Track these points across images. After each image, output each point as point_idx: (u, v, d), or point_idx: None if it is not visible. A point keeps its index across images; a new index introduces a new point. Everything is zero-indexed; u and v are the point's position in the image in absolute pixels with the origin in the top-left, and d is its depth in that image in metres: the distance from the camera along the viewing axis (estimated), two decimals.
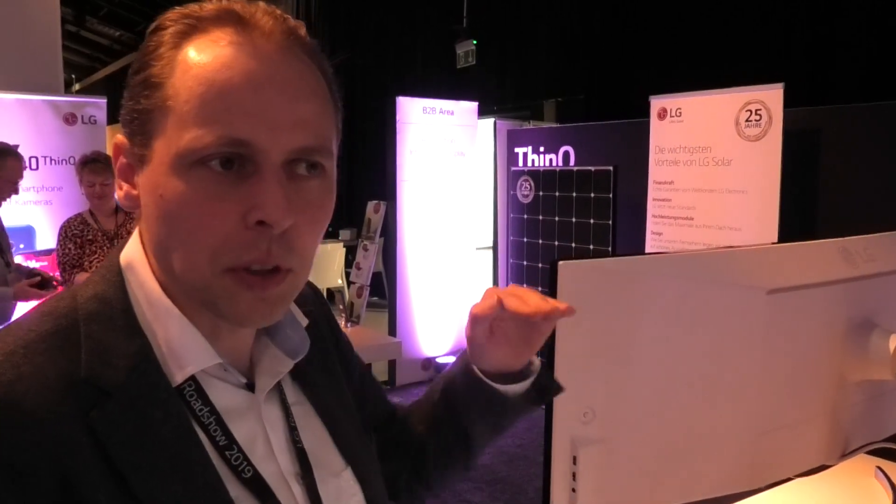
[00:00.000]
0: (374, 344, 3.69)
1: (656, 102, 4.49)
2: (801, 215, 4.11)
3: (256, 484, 0.67)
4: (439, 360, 5.92)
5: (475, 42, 7.48)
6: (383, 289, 7.87)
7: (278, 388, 0.75)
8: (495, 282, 8.13)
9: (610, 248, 4.69)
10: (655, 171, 4.52)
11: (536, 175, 5.21)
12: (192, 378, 0.66)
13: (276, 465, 0.70)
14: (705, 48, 4.98)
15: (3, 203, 3.51)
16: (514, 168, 5.53)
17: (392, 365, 5.61)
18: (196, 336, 0.66)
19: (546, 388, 0.92)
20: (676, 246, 4.42)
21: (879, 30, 4.22)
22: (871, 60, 4.14)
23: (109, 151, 4.98)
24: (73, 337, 0.62)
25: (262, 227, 0.61)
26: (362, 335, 3.90)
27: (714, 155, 4.19)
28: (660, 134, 4.48)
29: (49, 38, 5.04)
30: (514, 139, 6.12)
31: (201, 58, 0.63)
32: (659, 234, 4.52)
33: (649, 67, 5.24)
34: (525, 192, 5.29)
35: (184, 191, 0.62)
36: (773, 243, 1.15)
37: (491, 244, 7.77)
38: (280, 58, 0.64)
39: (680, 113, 4.36)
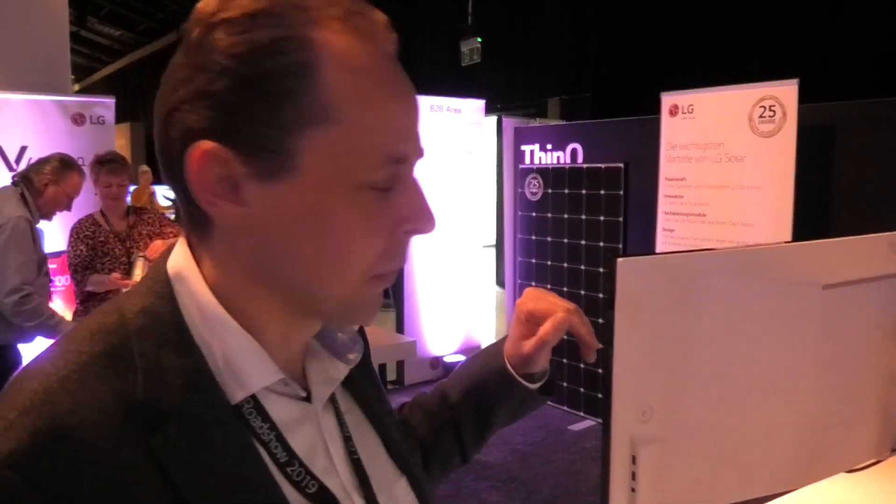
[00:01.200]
0: (387, 344, 3.68)
1: (668, 99, 4.48)
2: (816, 212, 4.10)
3: (323, 498, 0.64)
4: (447, 360, 5.91)
5: (480, 40, 7.47)
6: (387, 287, 7.84)
7: (331, 395, 0.72)
8: (499, 281, 8.11)
9: (621, 246, 4.67)
10: (667, 168, 4.51)
11: (546, 172, 5.19)
12: (251, 394, 0.62)
13: (337, 478, 0.67)
14: (716, 44, 4.97)
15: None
16: (521, 166, 5.52)
17: (400, 364, 5.60)
18: (257, 351, 0.62)
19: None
20: (688, 243, 4.40)
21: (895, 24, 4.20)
22: (887, 55, 4.13)
23: (122, 151, 4.96)
24: (127, 356, 0.58)
25: (410, 234, 0.63)
26: (374, 335, 3.88)
27: (727, 151, 4.18)
28: (671, 130, 4.46)
29: (56, 37, 5.01)
30: (521, 136, 6.10)
31: (364, 58, 0.58)
32: (671, 230, 4.51)
33: (659, 64, 5.22)
34: (534, 189, 5.27)
35: (348, 212, 0.59)
36: (825, 239, 1.14)
37: (494, 242, 7.76)
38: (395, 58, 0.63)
39: (692, 109, 4.34)
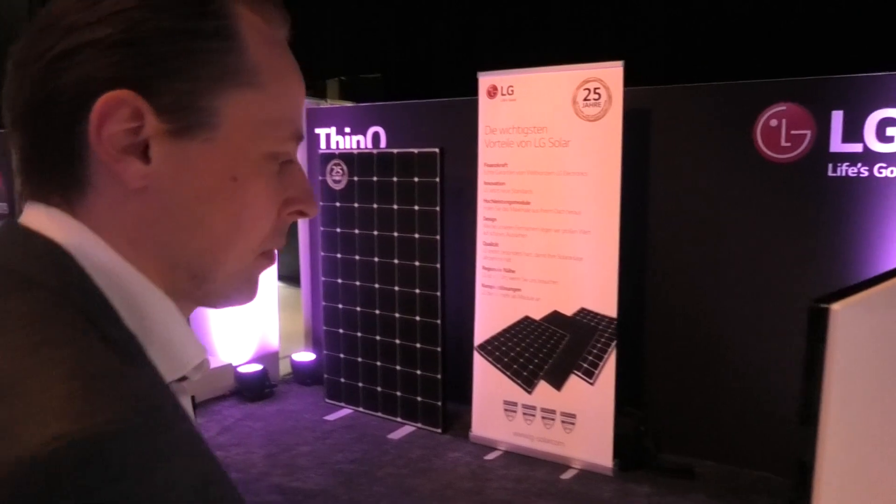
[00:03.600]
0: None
1: (485, 79, 4.20)
2: (637, 198, 4.06)
3: None
4: (241, 370, 5.23)
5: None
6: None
7: None
8: (281, 276, 7.49)
9: (438, 237, 4.34)
10: (486, 153, 4.24)
11: (350, 158, 4.71)
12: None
13: None
14: (538, 24, 4.79)
15: None
16: (321, 151, 4.99)
17: None
18: (188, 329, 0.58)
19: None
20: (512, 232, 4.18)
21: (714, 10, 4.27)
22: (700, 39, 4.18)
23: None
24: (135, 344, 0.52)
25: (295, 216, 0.62)
26: None
27: (551, 135, 3.99)
28: (490, 113, 4.20)
29: None
30: (313, 119, 5.56)
31: (275, 36, 0.60)
32: (492, 219, 4.26)
33: (471, 42, 4.95)
34: (337, 177, 4.77)
35: (257, 181, 0.58)
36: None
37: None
38: None
39: (512, 91, 4.11)
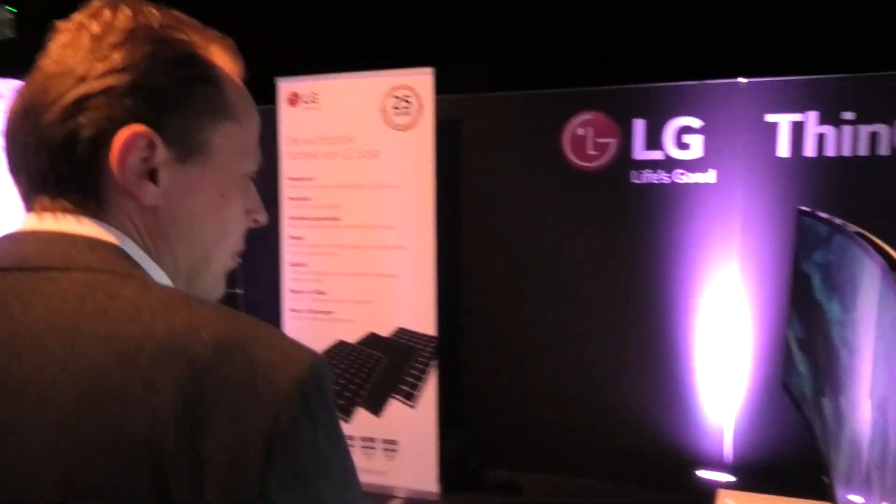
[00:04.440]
0: None
1: (286, 86, 3.87)
2: (450, 209, 3.92)
3: None
4: None
5: (13, 10, 5.92)
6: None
7: None
8: None
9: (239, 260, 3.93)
10: (290, 166, 3.91)
11: None
12: None
13: None
14: (342, 26, 4.51)
15: None
16: None
17: None
18: None
19: None
20: (322, 251, 3.88)
21: (524, 17, 4.22)
22: (514, 48, 4.12)
23: None
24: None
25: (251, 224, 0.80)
26: None
27: (359, 146, 3.74)
28: (292, 123, 3.87)
29: None
30: None
31: (239, 78, 0.76)
32: (299, 238, 3.92)
33: (273, 46, 4.57)
34: None
35: (237, 194, 0.75)
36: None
37: None
38: None
39: (316, 99, 3.81)
